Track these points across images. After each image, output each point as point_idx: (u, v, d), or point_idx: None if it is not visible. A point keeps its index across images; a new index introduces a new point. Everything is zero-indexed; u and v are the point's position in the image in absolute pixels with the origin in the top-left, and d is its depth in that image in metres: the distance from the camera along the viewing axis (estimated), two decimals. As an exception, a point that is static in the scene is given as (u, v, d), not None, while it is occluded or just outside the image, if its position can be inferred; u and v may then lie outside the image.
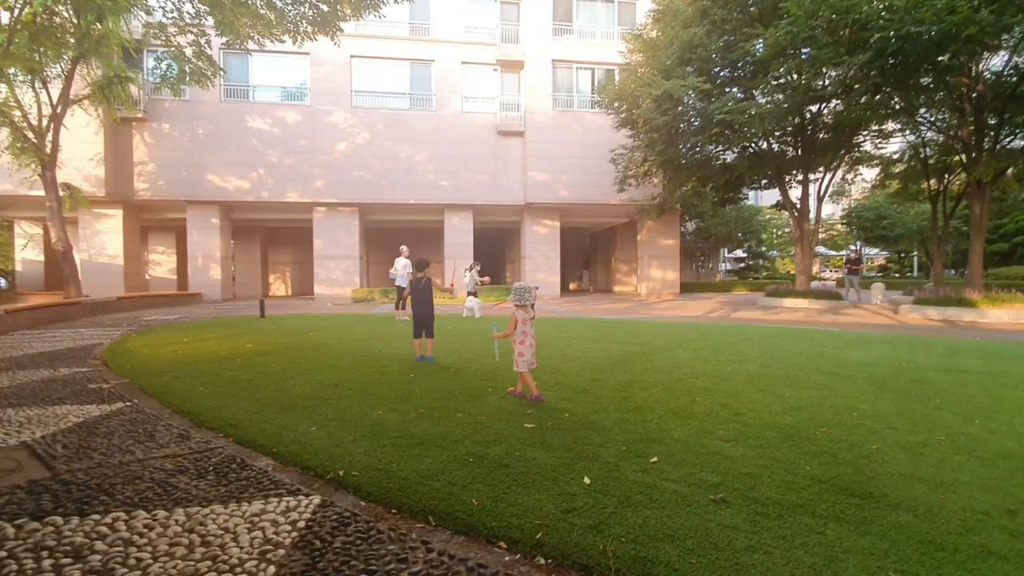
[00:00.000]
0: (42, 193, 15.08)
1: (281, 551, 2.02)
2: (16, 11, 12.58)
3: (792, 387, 4.86)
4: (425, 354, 6.19)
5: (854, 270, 17.18)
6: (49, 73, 14.83)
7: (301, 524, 2.22)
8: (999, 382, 5.17)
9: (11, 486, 2.63)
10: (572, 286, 32.06)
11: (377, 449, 3.14)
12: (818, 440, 3.35)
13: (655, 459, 2.97)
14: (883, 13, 11.24)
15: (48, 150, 14.68)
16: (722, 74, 16.81)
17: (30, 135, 14.73)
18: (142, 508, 2.36)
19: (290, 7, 9.98)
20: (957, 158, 16.30)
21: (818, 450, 3.16)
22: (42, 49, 13.12)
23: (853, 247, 34.48)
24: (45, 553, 2.01)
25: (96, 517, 2.28)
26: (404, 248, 11.78)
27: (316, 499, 2.47)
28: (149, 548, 2.04)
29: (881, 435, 3.47)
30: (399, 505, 2.42)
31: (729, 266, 42.48)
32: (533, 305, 4.55)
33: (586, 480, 2.66)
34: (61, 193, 15.41)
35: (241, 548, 2.04)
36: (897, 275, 37.15)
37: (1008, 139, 15.13)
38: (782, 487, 2.60)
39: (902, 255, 38.67)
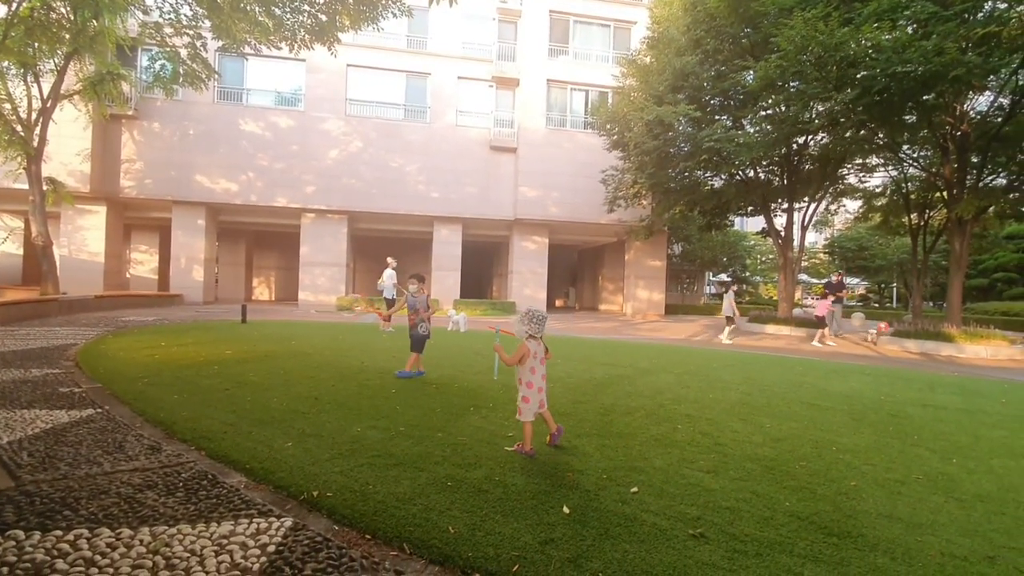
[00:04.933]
0: (26, 186, 14.80)
1: (249, 577, 1.96)
2: (14, 5, 12.47)
3: (772, 417, 4.88)
4: (414, 369, 6.13)
5: (836, 297, 14.97)
6: (42, 67, 14.65)
7: (271, 548, 2.15)
8: (976, 420, 5.25)
9: (-29, 496, 2.53)
10: (558, 303, 32.10)
11: (354, 468, 3.08)
12: (797, 474, 3.36)
13: (635, 489, 2.95)
14: (871, 52, 11.43)
15: (35, 144, 14.46)
16: (712, 102, 17.08)
17: (18, 128, 14.50)
18: (106, 525, 2.28)
19: (288, 15, 9.98)
20: (938, 194, 16.57)
21: (797, 485, 3.16)
22: (37, 44, 12.97)
23: (835, 273, 34.42)
24: (5, 569, 1.93)
25: (58, 533, 2.20)
26: (391, 260, 11.74)
27: (288, 521, 2.40)
28: (111, 569, 1.96)
29: (860, 471, 3.49)
30: (374, 530, 2.37)
31: (714, 290, 42.88)
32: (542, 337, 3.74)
33: (565, 509, 2.63)
34: (45, 188, 15.15)
35: (207, 573, 1.97)
36: (876, 305, 37.80)
37: (991, 178, 15.05)
38: (761, 523, 2.60)
39: (882, 285, 39.40)
